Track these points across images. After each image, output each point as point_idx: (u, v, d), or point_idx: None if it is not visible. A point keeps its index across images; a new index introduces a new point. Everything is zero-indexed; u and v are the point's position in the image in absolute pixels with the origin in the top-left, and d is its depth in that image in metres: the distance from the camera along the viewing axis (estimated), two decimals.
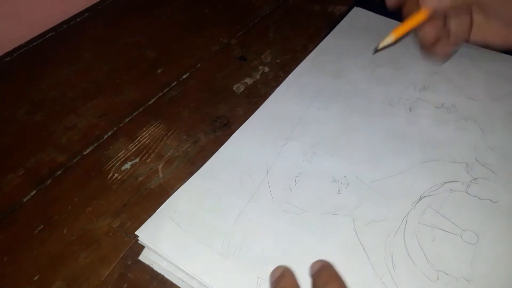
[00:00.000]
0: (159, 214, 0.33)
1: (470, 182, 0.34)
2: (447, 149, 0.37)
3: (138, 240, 0.32)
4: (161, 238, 0.32)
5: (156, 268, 0.31)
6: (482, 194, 0.34)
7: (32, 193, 0.37)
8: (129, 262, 0.32)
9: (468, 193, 0.34)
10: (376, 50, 0.36)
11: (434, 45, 0.35)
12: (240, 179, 0.36)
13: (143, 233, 0.32)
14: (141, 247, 0.32)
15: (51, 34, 0.53)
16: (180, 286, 0.31)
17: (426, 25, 0.34)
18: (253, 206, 0.34)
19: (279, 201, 0.34)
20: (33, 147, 0.41)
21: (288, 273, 0.30)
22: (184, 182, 0.36)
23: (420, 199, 0.34)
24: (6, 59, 0.50)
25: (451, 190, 0.34)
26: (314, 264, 0.30)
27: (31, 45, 0.52)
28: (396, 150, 0.37)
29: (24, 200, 0.36)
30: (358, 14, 0.52)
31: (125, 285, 0.31)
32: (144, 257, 0.32)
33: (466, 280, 0.29)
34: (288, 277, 0.29)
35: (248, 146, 0.38)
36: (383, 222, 0.32)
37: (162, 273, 0.31)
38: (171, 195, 0.36)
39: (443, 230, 0.32)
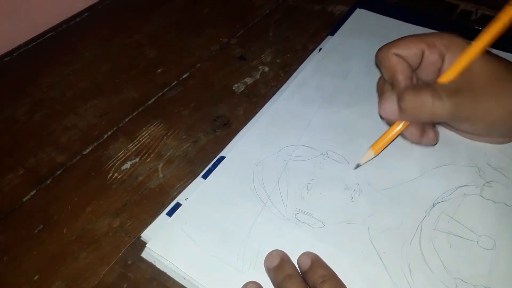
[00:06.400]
0: (171, 226, 0.33)
1: (484, 185, 0.34)
2: (457, 153, 0.36)
3: (149, 251, 0.32)
4: (175, 252, 0.31)
5: (158, 266, 0.31)
6: (496, 198, 0.33)
7: (32, 193, 0.37)
8: (129, 262, 0.32)
9: (483, 197, 0.33)
10: (358, 166, 0.35)
11: (421, 138, 0.35)
12: (251, 189, 0.35)
13: (155, 245, 0.32)
14: (141, 247, 0.32)
15: (51, 34, 0.53)
16: (182, 283, 0.30)
17: (409, 127, 0.33)
18: (266, 216, 0.33)
19: (292, 211, 0.33)
20: (33, 147, 0.40)
21: (287, 258, 0.30)
22: (184, 182, 0.36)
23: (433, 205, 0.33)
24: (6, 59, 0.50)
25: (464, 194, 0.33)
26: (302, 259, 0.30)
27: (31, 45, 0.52)
28: (407, 156, 0.36)
29: (24, 200, 0.36)
30: (361, 16, 0.52)
31: (125, 285, 0.31)
32: (146, 254, 0.32)
33: (485, 287, 0.28)
34: (290, 263, 0.29)
35: (256, 153, 0.37)
36: (398, 229, 0.32)
37: (165, 271, 0.31)
38: (171, 195, 0.36)
39: (459, 236, 0.31)
